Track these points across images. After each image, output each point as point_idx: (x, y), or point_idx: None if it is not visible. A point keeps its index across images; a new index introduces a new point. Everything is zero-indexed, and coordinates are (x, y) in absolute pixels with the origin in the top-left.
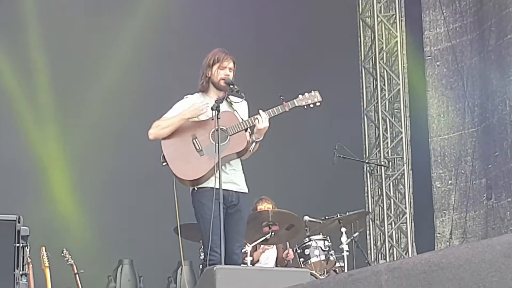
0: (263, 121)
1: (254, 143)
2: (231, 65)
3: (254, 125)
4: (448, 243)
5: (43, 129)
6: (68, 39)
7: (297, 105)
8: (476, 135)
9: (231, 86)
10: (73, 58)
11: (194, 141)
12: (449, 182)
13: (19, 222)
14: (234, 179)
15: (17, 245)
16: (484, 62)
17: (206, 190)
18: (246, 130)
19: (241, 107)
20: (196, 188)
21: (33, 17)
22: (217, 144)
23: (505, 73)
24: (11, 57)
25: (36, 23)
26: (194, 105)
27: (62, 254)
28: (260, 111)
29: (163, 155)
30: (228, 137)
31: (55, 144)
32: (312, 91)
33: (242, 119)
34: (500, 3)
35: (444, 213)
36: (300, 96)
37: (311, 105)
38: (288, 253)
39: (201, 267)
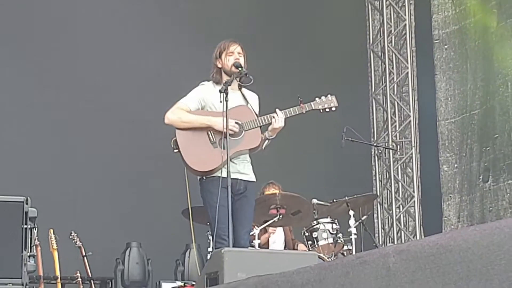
0: (279, 120)
1: (267, 141)
2: (238, 49)
3: (266, 124)
4: (453, 227)
5: (51, 113)
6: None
7: (314, 108)
8: (476, 118)
9: (239, 69)
10: (74, 46)
11: (208, 132)
12: (455, 165)
13: (26, 204)
14: (241, 169)
15: (25, 226)
16: (486, 44)
17: (215, 179)
18: (260, 127)
19: (252, 100)
20: (204, 178)
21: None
22: (230, 137)
23: (507, 55)
24: None
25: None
26: (232, 125)
27: (70, 237)
28: (277, 110)
29: (176, 141)
30: (243, 132)
31: (64, 127)
32: (329, 96)
33: (257, 115)
34: None
35: (450, 196)
36: (317, 99)
37: (327, 110)
38: (300, 248)
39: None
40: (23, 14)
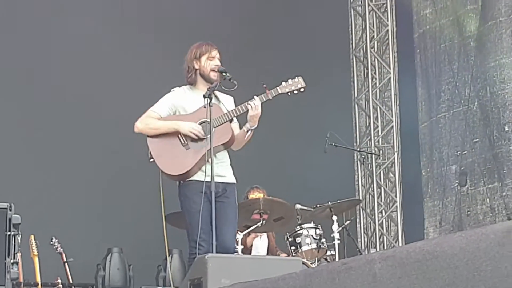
0: (255, 107)
1: (249, 131)
2: (218, 55)
3: (240, 114)
4: (425, 232)
5: (32, 119)
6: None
7: (280, 92)
8: (443, 122)
9: (224, 74)
10: (56, 51)
11: (179, 135)
12: (428, 170)
13: (10, 210)
14: (220, 171)
15: (9, 233)
16: (462, 48)
17: (192, 183)
18: (231, 121)
19: (228, 102)
20: (182, 182)
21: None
22: (208, 135)
23: (485, 60)
24: None
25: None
26: (192, 127)
27: (51, 243)
28: (255, 97)
29: (150, 152)
30: (214, 129)
31: (44, 133)
32: (296, 77)
33: (227, 110)
34: None
35: (425, 201)
36: (283, 83)
37: (295, 91)
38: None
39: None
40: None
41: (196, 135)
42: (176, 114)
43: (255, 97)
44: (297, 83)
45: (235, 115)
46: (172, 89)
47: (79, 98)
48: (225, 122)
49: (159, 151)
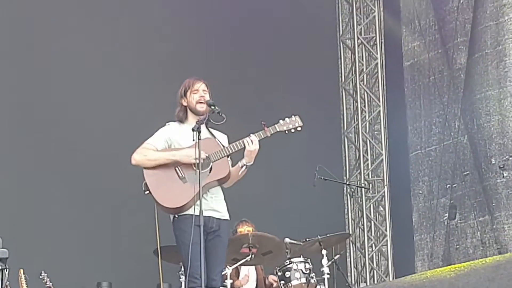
0: (253, 142)
1: (244, 167)
2: (203, 86)
3: (237, 151)
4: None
5: (21, 152)
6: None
7: (278, 130)
8: (434, 154)
9: (212, 107)
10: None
11: (176, 168)
12: (417, 203)
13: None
14: (215, 206)
15: None
16: (452, 80)
17: (187, 218)
18: (228, 156)
19: (222, 139)
20: (177, 216)
21: None
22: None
23: (472, 92)
24: None
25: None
26: (188, 155)
27: (41, 277)
28: (251, 134)
29: (145, 183)
30: (211, 163)
31: (33, 166)
32: (293, 116)
33: (224, 146)
34: (465, 21)
35: (413, 234)
36: (281, 121)
37: (292, 130)
38: (271, 279)
39: None
40: None
41: (194, 162)
42: (171, 147)
43: (251, 135)
44: (295, 122)
45: (233, 150)
46: (167, 123)
47: (70, 131)
48: (222, 157)
49: (156, 184)
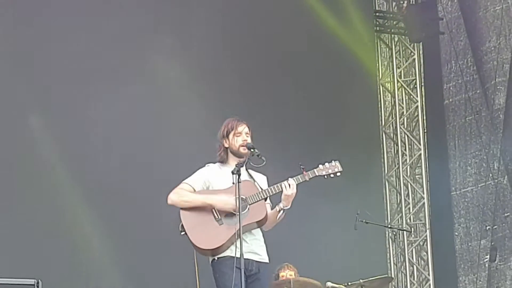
0: (291, 187)
1: (281, 212)
2: (246, 129)
3: (274, 194)
4: None
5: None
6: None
7: (317, 174)
8: (470, 196)
9: (252, 150)
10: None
11: (213, 210)
12: (457, 245)
13: (37, 287)
14: (254, 248)
15: None
16: (490, 121)
17: (226, 259)
18: (266, 199)
19: (260, 180)
20: (216, 258)
21: None
22: (238, 212)
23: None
24: None
25: None
26: (224, 202)
27: None
28: (289, 178)
29: (182, 225)
30: (248, 206)
31: (74, 209)
32: (333, 161)
33: (262, 188)
34: (503, 61)
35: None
36: (320, 166)
37: (332, 175)
38: None
39: None
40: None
41: (232, 209)
42: (209, 189)
43: (289, 178)
44: (334, 167)
45: (270, 194)
46: (207, 164)
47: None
48: (259, 200)
49: (192, 225)
